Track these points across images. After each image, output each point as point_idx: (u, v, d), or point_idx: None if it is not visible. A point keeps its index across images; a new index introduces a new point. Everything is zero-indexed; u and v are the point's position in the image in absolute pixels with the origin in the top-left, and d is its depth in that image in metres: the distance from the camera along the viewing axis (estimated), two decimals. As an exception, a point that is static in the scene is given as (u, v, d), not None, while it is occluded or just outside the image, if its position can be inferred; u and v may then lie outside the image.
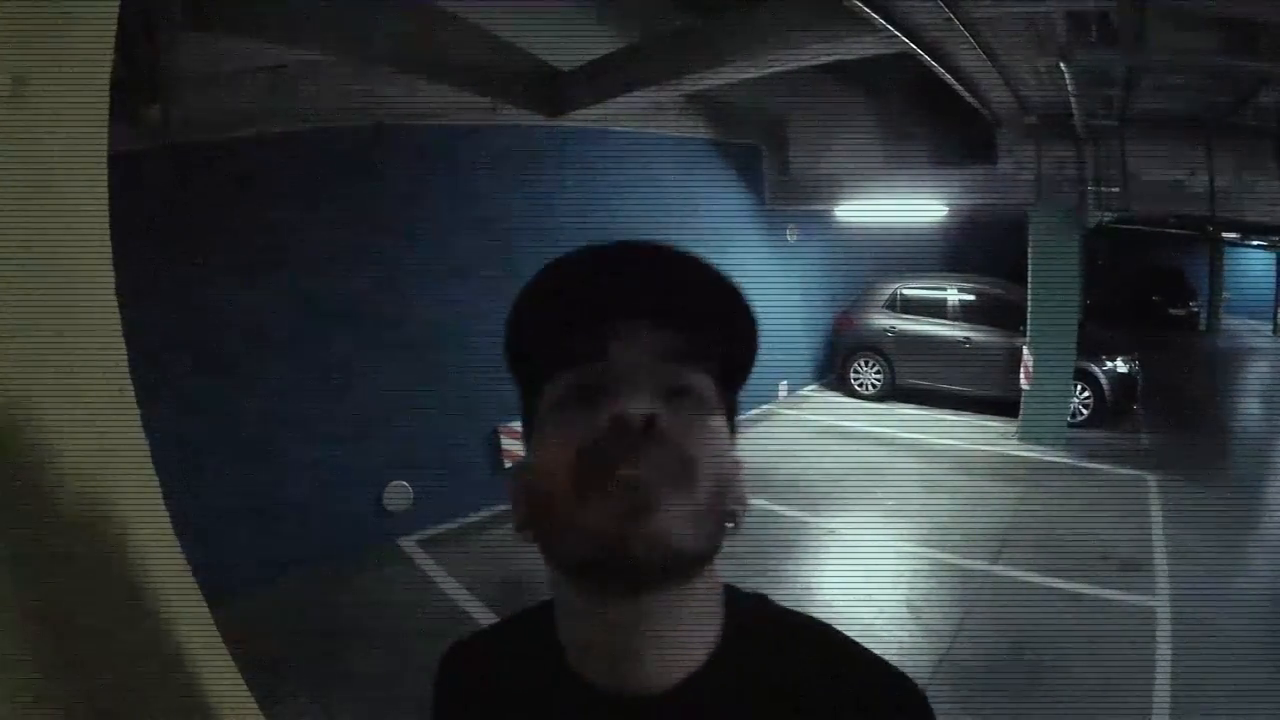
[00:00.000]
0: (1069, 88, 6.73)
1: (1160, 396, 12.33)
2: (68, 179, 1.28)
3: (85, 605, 1.31)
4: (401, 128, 7.54)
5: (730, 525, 0.96)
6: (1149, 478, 8.77)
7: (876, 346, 12.85)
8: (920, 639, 5.61)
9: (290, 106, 6.80)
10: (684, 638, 0.91)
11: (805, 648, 0.99)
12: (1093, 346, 10.70)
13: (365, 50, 6.81)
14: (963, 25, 5.65)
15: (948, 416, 11.77)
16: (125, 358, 1.46)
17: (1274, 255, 22.00)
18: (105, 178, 1.36)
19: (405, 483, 7.76)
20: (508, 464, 8.53)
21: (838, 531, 7.62)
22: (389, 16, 6.54)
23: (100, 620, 1.34)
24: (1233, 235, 18.20)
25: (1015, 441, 10.26)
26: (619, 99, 7.90)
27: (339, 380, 7.26)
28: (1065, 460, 9.53)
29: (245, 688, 1.98)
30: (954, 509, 8.03)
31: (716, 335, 0.97)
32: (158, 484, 1.60)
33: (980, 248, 17.02)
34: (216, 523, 6.17)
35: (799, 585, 6.54)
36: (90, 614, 1.32)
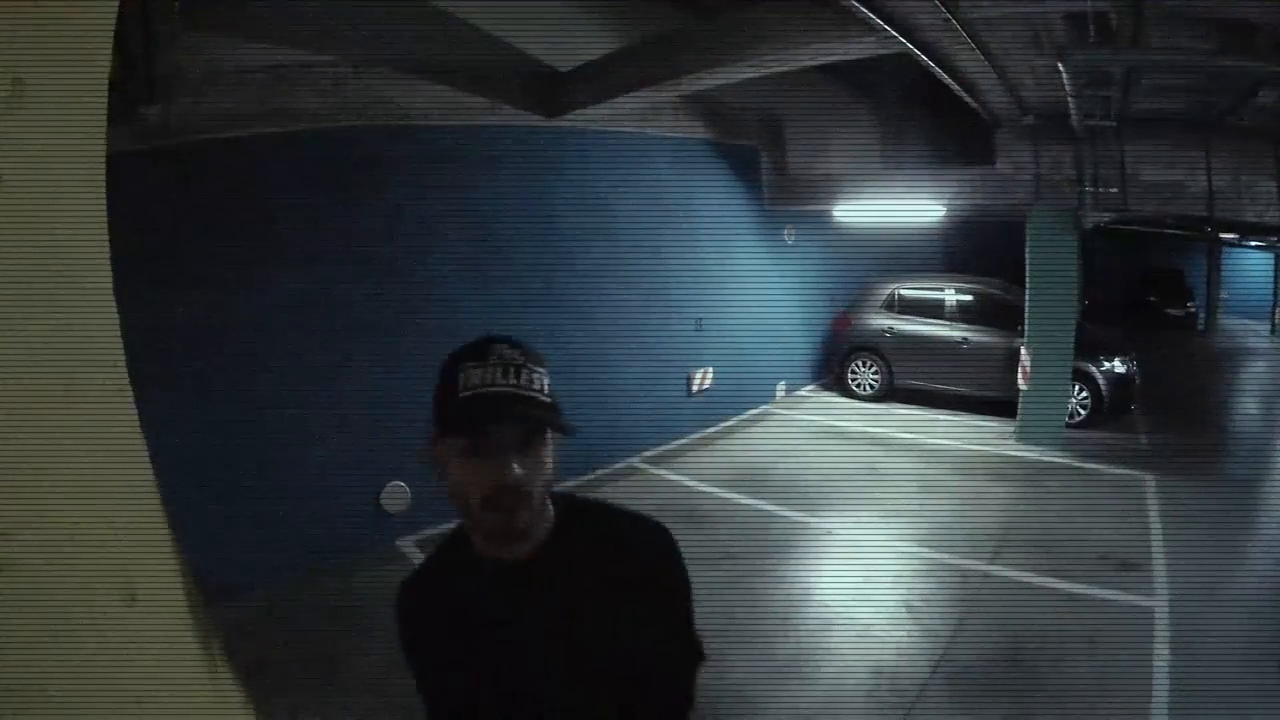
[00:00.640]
0: (1067, 88, 6.72)
1: (1158, 397, 12.36)
2: (66, 180, 1.28)
3: (82, 607, 1.32)
4: (398, 128, 7.56)
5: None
6: (1147, 478, 8.78)
7: (874, 347, 12.86)
8: (918, 640, 5.60)
9: (287, 107, 6.80)
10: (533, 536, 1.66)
11: (591, 517, 1.81)
12: (1091, 347, 10.73)
13: (362, 51, 6.84)
14: (960, 26, 5.66)
15: (945, 417, 11.80)
16: (123, 358, 1.48)
17: (1272, 256, 22.04)
18: (104, 178, 1.38)
19: (403, 483, 7.74)
20: None
21: (835, 532, 7.61)
22: (386, 17, 6.54)
23: (96, 622, 1.35)
24: (1231, 236, 18.18)
25: (1013, 442, 10.27)
26: (617, 100, 7.93)
27: (336, 380, 7.27)
28: (1063, 461, 9.53)
29: (242, 687, 1.99)
30: (951, 509, 8.04)
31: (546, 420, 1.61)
32: (155, 485, 1.61)
33: (978, 248, 17.05)
34: (214, 523, 6.12)
35: (797, 586, 6.54)
36: (87, 616, 1.32)
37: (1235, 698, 4.83)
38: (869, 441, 10.66)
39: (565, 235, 9.13)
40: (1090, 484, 8.77)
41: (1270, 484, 9.16)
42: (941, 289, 12.51)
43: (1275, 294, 21.55)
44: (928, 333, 12.31)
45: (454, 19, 6.89)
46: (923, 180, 11.01)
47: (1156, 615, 5.78)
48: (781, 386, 13.21)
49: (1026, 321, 10.05)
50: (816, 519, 7.88)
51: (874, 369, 12.92)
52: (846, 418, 11.94)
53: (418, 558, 7.16)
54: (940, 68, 6.72)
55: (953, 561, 6.80)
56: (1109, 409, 10.86)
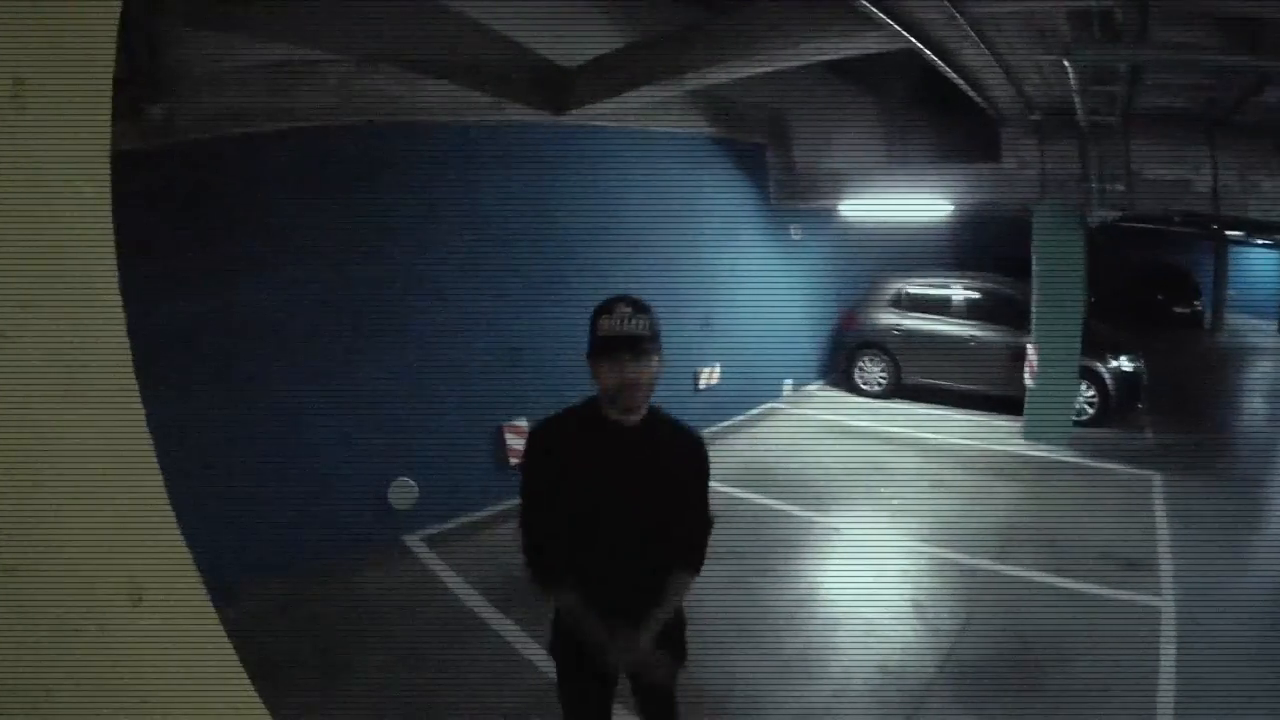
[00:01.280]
0: (1073, 85, 6.72)
1: (1165, 395, 12.33)
2: (71, 180, 1.28)
3: (88, 608, 1.32)
4: (403, 125, 7.58)
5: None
6: (1154, 476, 8.77)
7: (881, 344, 12.85)
8: (925, 637, 5.61)
9: (292, 105, 6.84)
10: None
11: (670, 419, 3.05)
12: (1098, 345, 10.70)
13: (367, 48, 6.85)
14: (966, 22, 5.65)
15: (953, 414, 11.79)
16: (130, 358, 1.48)
17: (1278, 253, 21.96)
18: (109, 178, 1.38)
19: (410, 480, 7.77)
20: (512, 461, 8.51)
21: (842, 529, 7.62)
22: (390, 14, 6.55)
23: (103, 623, 1.35)
24: (1237, 233, 18.12)
25: (1020, 440, 10.26)
26: (623, 96, 7.91)
27: (343, 377, 7.30)
28: (1070, 459, 9.53)
29: (250, 686, 2.00)
30: (959, 507, 8.04)
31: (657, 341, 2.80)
32: (162, 485, 1.61)
33: (985, 246, 17.02)
34: (220, 518, 6.25)
35: (804, 583, 6.55)
36: (93, 617, 1.33)
37: (1241, 697, 4.83)
38: (876, 439, 10.67)
39: (571, 232, 9.13)
40: (1097, 482, 8.76)
41: (1277, 482, 9.13)
42: (948, 286, 12.48)
43: (1283, 292, 21.51)
44: (935, 330, 12.29)
45: (459, 16, 6.91)
46: (929, 177, 11.00)
47: (1163, 614, 5.77)
48: (788, 383, 13.19)
49: (1033, 319, 10.03)
50: (824, 516, 7.89)
51: (881, 366, 12.92)
52: (853, 415, 11.96)
53: (425, 554, 7.33)
54: (946, 64, 6.71)
55: (960, 559, 6.80)
56: (1116, 407, 10.84)
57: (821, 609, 6.10)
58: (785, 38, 6.43)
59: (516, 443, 8.53)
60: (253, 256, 6.69)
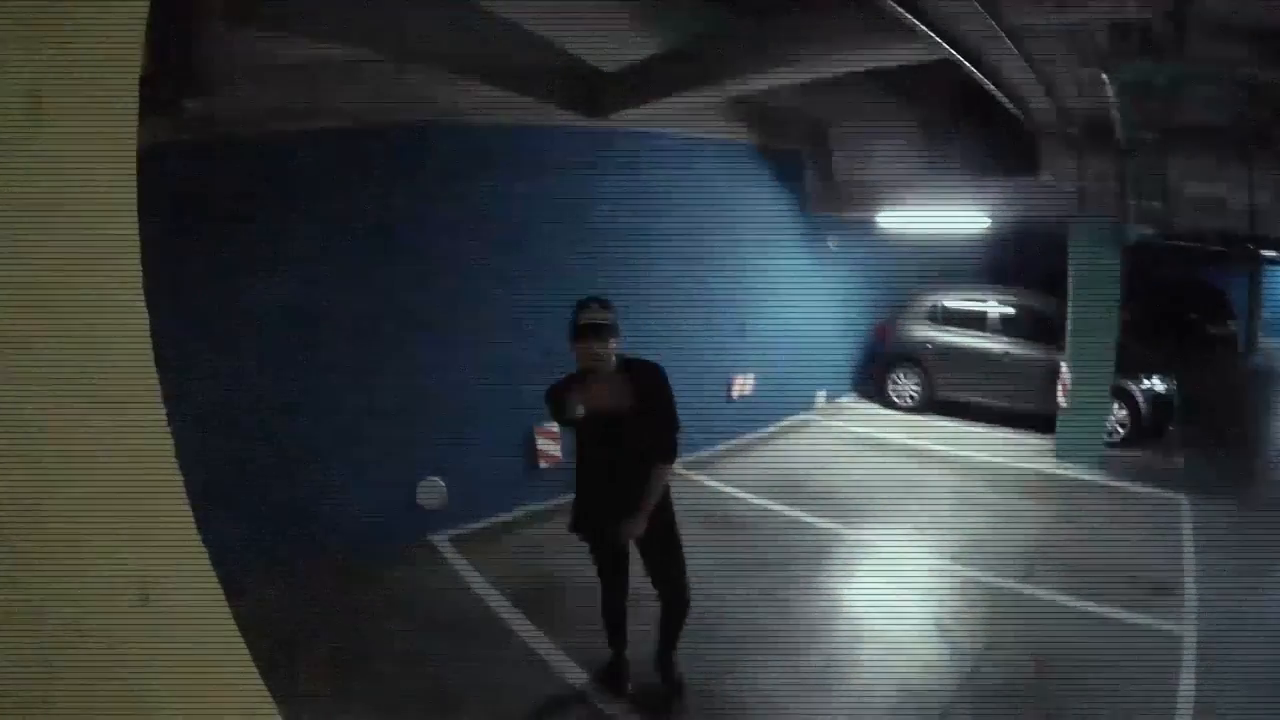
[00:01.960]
0: (1111, 99, 6.72)
1: (1197, 416, 12.25)
2: (92, 187, 1.32)
3: (101, 609, 1.37)
4: (442, 126, 7.71)
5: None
6: (1182, 500, 8.75)
7: (915, 357, 12.85)
8: (946, 657, 5.66)
9: (330, 103, 6.98)
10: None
11: (631, 361, 4.63)
12: (1131, 364, 10.64)
13: (406, 48, 6.98)
14: (1004, 33, 5.68)
15: (984, 431, 11.80)
16: (152, 361, 1.52)
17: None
18: (134, 182, 1.41)
19: (439, 479, 7.90)
20: (543, 464, 8.68)
21: (869, 544, 7.69)
22: (430, 15, 6.66)
23: (114, 625, 1.40)
24: (1273, 253, 17.90)
25: (1051, 459, 10.26)
26: (661, 101, 8.01)
27: (377, 374, 7.44)
28: (1099, 480, 9.54)
29: (263, 687, 2.08)
30: (986, 526, 8.07)
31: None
32: (182, 486, 1.66)
33: (1022, 260, 16.94)
34: (248, 511, 6.46)
35: (827, 597, 6.63)
36: (105, 619, 1.38)
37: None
38: (906, 453, 10.72)
39: (607, 236, 9.21)
40: (1125, 504, 8.76)
41: (1309, 510, 9.10)
42: (984, 301, 12.47)
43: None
44: (969, 345, 12.29)
45: (498, 17, 7.00)
46: (967, 189, 10.99)
47: (1185, 643, 5.79)
48: (822, 394, 13.24)
49: (1067, 336, 10.02)
50: (850, 530, 7.96)
51: (914, 380, 12.92)
52: (885, 428, 11.99)
53: (451, 554, 7.51)
54: (985, 76, 6.72)
55: (984, 579, 6.85)
56: (1147, 428, 10.82)
57: (845, 624, 6.17)
58: (822, 46, 6.50)
59: (548, 446, 8.64)
60: (291, 250, 6.86)
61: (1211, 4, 4.89)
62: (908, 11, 5.20)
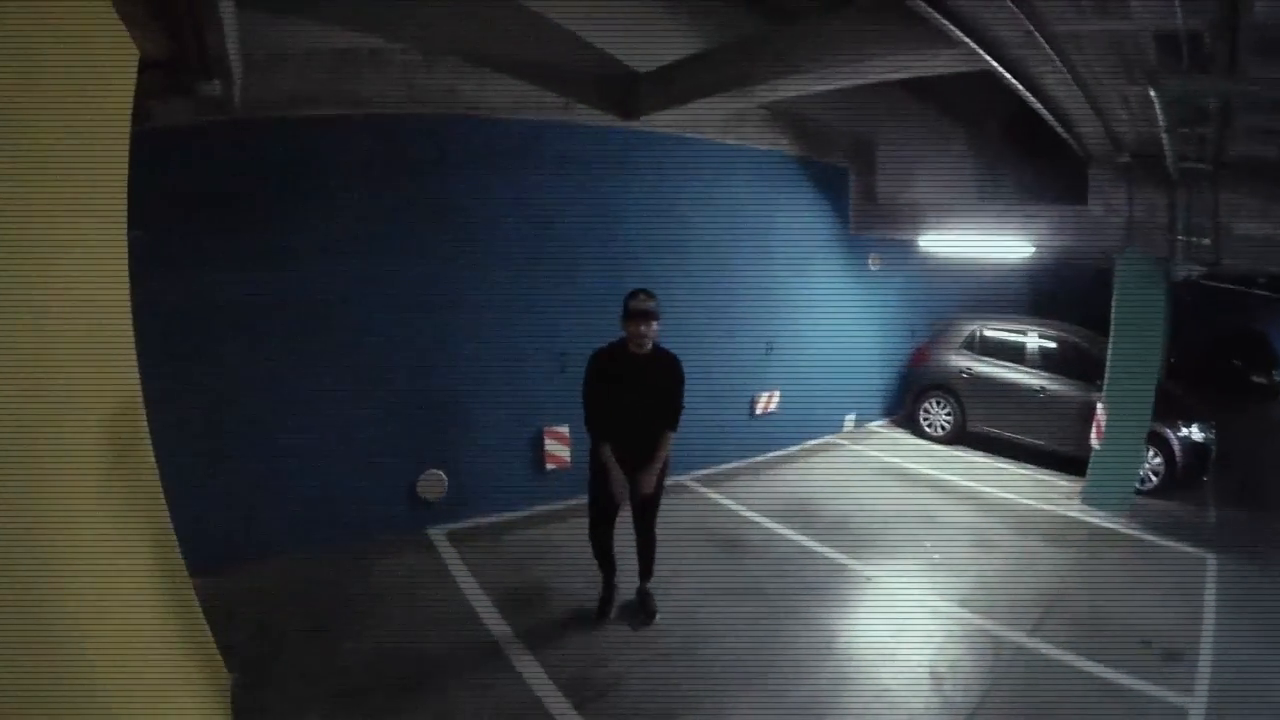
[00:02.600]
0: (1160, 121, 6.39)
1: (1233, 470, 11.82)
2: (81, 189, 1.33)
3: (77, 610, 1.39)
4: (466, 119, 7.64)
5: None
6: (1209, 558, 8.37)
7: (950, 386, 12.56)
8: (936, 710, 5.40)
9: (355, 92, 7.01)
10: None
11: (662, 350, 5.98)
12: (1169, 409, 10.26)
13: (434, 40, 7.04)
14: (1045, 40, 5.43)
15: (1013, 469, 11.47)
16: (136, 365, 1.57)
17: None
18: (124, 189, 1.45)
19: (440, 472, 7.91)
20: (550, 467, 8.62)
21: (874, 579, 7.41)
22: (458, 7, 6.68)
23: (91, 624, 1.43)
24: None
25: (1078, 503, 9.92)
26: (691, 104, 7.89)
27: (389, 365, 7.49)
28: (1126, 530, 9.14)
29: (223, 667, 2.04)
30: (1001, 570, 7.78)
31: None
32: (162, 495, 1.71)
33: (1066, 293, 16.55)
34: (251, 494, 6.89)
35: (823, 632, 6.39)
36: (81, 619, 1.40)
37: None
38: (930, 486, 10.43)
39: (635, 240, 9.13)
40: (1149, 559, 8.37)
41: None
42: (1025, 333, 12.11)
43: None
44: (1006, 378, 11.96)
45: (529, 12, 6.91)
46: (1013, 216, 10.65)
47: (1190, 716, 5.48)
48: (851, 418, 13.01)
49: (1106, 375, 9.66)
50: (858, 563, 7.71)
51: (947, 410, 12.63)
52: (912, 458, 11.71)
53: (445, 548, 7.63)
54: (1026, 89, 6.45)
55: (990, 628, 6.57)
56: (1181, 478, 10.42)
57: (835, 663, 5.93)
58: (855, 52, 6.31)
59: (557, 448, 8.57)
60: (306, 239, 6.91)
61: (1265, 17, 4.59)
62: (943, 16, 5.00)
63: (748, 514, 8.88)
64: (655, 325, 5.78)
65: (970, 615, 6.79)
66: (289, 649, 5.62)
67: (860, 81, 7.12)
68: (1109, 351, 9.62)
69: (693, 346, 9.52)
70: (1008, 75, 6.05)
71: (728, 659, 5.88)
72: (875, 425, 13.52)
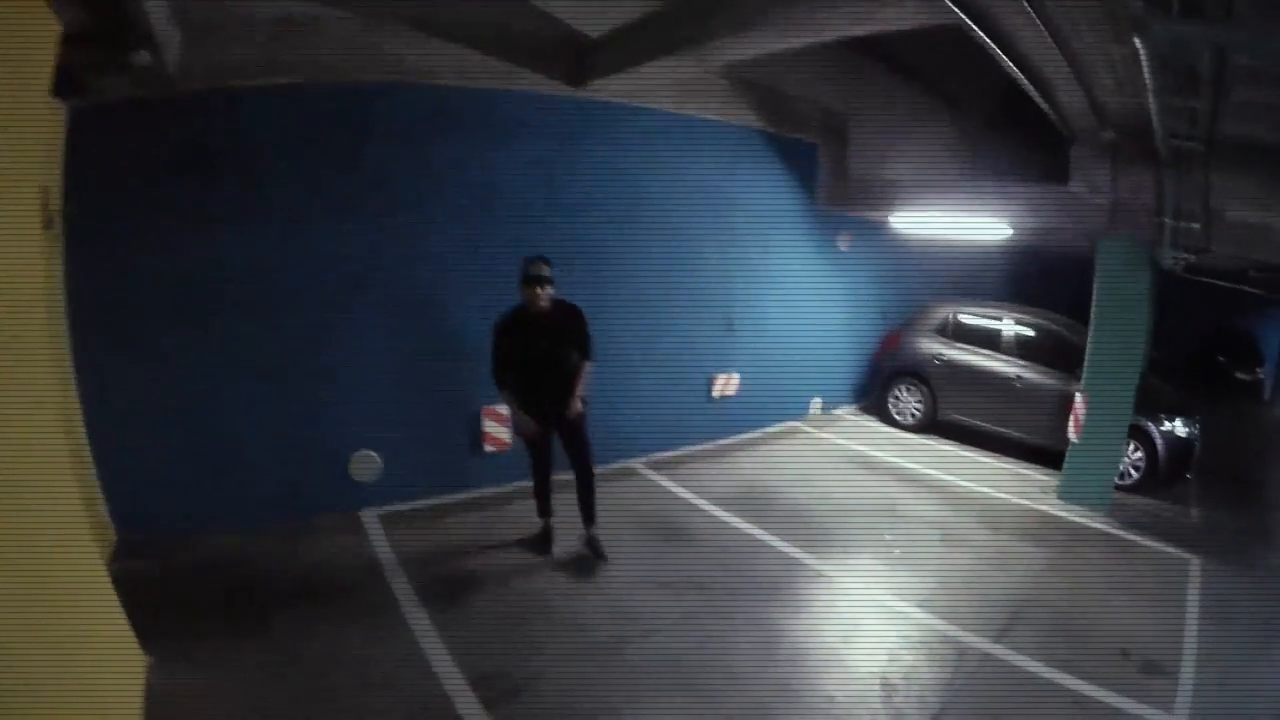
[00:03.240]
0: (1147, 83, 5.73)
1: (1216, 467, 11.25)
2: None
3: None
4: (407, 87, 7.25)
5: None
6: (1192, 561, 7.80)
7: (921, 373, 12.00)
8: (884, 726, 4.80)
9: (293, 60, 6.70)
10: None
11: (560, 302, 6.52)
12: (1151, 402, 9.68)
13: (376, 5, 6.71)
14: None
15: (986, 460, 10.91)
16: (69, 359, 2.93)
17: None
18: (49, 164, 2.10)
19: (374, 453, 7.58)
20: (489, 449, 8.16)
21: (829, 577, 6.79)
22: None
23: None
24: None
25: (1053, 499, 9.34)
26: (642, 69, 7.26)
27: (324, 341, 7.20)
28: (1104, 528, 8.54)
29: (139, 651, 3.18)
30: (968, 570, 7.19)
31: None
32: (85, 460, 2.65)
33: (1045, 278, 15.97)
34: (183, 469, 6.60)
35: (766, 633, 5.79)
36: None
37: None
38: (897, 477, 9.84)
39: (588, 213, 8.58)
40: (1128, 559, 7.78)
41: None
42: (1000, 319, 11.53)
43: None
44: (980, 365, 11.39)
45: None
46: (990, 195, 9.95)
47: (1171, 739, 4.90)
48: (816, 403, 12.43)
49: (1086, 365, 9.08)
50: (813, 558, 7.11)
51: (917, 397, 12.07)
52: (879, 446, 11.12)
53: (375, 531, 7.19)
54: (1001, 50, 5.75)
55: (952, 633, 5.97)
56: (1163, 475, 9.84)
57: (777, 668, 5.33)
58: (811, 5, 5.66)
59: (496, 429, 8.11)
60: (243, 211, 6.63)
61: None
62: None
63: (698, 502, 8.30)
64: (549, 289, 6.34)
65: (930, 618, 6.20)
66: (201, 633, 5.21)
67: (820, 39, 6.50)
68: (1089, 339, 9.01)
69: (647, 323, 9.08)
70: (978, 30, 5.37)
71: (659, 659, 5.34)
72: (842, 411, 12.96)
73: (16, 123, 3.34)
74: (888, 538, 7.76)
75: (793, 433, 11.47)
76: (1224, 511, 9.74)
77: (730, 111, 9.88)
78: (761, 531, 7.58)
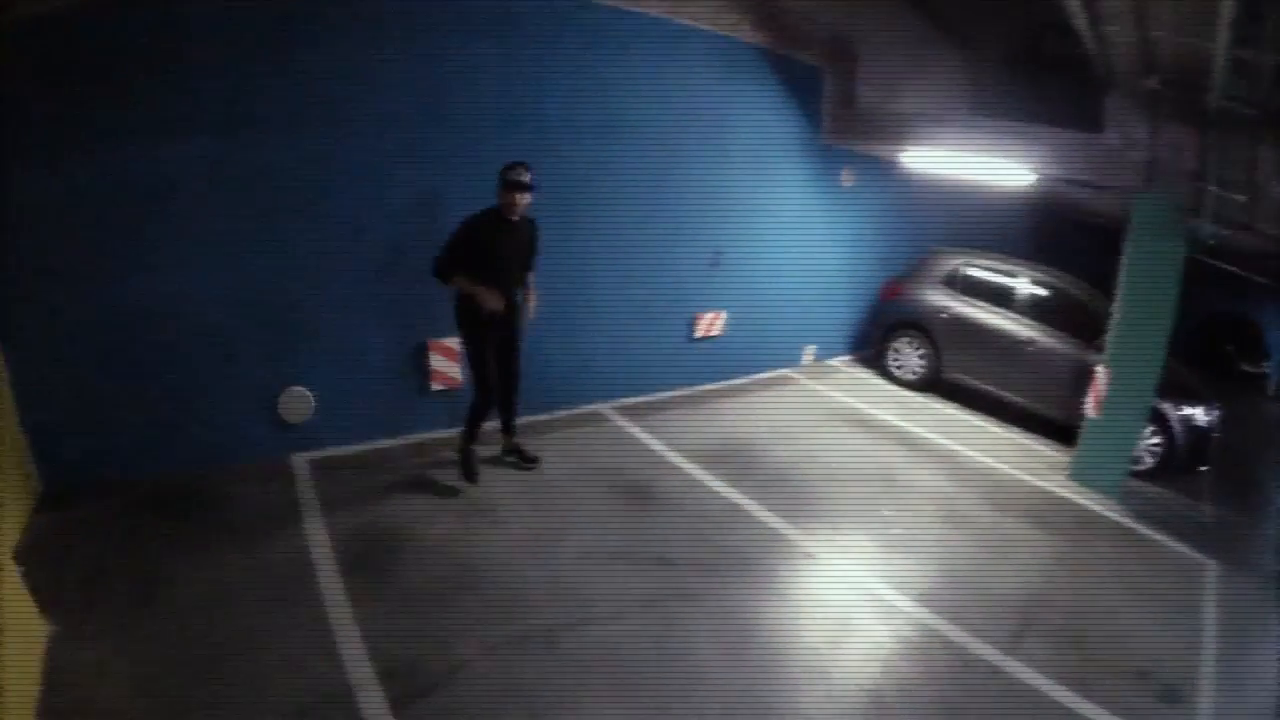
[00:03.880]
0: (1223, 25, 4.76)
1: (1229, 461, 10.35)
2: None
3: None
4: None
5: None
6: (1209, 565, 7.02)
7: (925, 326, 11.08)
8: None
9: None
10: None
11: (527, 218, 6.39)
12: (1172, 386, 8.79)
13: None
14: None
15: (992, 427, 10.06)
16: None
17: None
18: None
19: (306, 389, 6.67)
20: (436, 387, 7.26)
21: (815, 557, 5.94)
22: None
23: None
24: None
25: (1064, 479, 8.48)
26: None
27: (247, 265, 6.16)
28: (1115, 518, 7.71)
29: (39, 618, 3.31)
30: (973, 558, 6.37)
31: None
32: None
33: (1062, 242, 14.96)
34: (95, 409, 5.78)
35: (735, 624, 5.00)
36: None
37: None
38: (895, 438, 8.99)
39: (554, 124, 7.52)
40: (1142, 558, 6.97)
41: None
42: (1014, 275, 10.59)
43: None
44: (990, 323, 10.46)
45: None
46: (1013, 135, 8.75)
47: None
48: (810, 351, 11.53)
49: (1110, 336, 8.17)
50: (799, 533, 6.27)
51: (921, 352, 11.17)
52: (876, 403, 10.24)
53: (304, 480, 6.32)
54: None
55: (956, 637, 5.16)
56: (1179, 463, 9.03)
57: (744, 672, 4.54)
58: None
59: (444, 366, 7.26)
60: (159, 116, 5.55)
61: None
62: None
63: (669, 455, 7.45)
64: (529, 197, 6.14)
65: (931, 617, 5.38)
66: (110, 592, 4.62)
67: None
68: (1117, 308, 8.10)
69: (622, 250, 8.24)
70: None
71: (601, 654, 4.54)
72: (837, 361, 12.05)
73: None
74: (886, 513, 6.91)
75: (782, 381, 10.59)
76: (1241, 512, 8.95)
77: (725, 23, 8.72)
78: (740, 496, 6.74)
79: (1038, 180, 9.06)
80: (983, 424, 10.14)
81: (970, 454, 8.85)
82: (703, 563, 5.58)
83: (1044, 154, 8.47)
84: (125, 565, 4.90)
